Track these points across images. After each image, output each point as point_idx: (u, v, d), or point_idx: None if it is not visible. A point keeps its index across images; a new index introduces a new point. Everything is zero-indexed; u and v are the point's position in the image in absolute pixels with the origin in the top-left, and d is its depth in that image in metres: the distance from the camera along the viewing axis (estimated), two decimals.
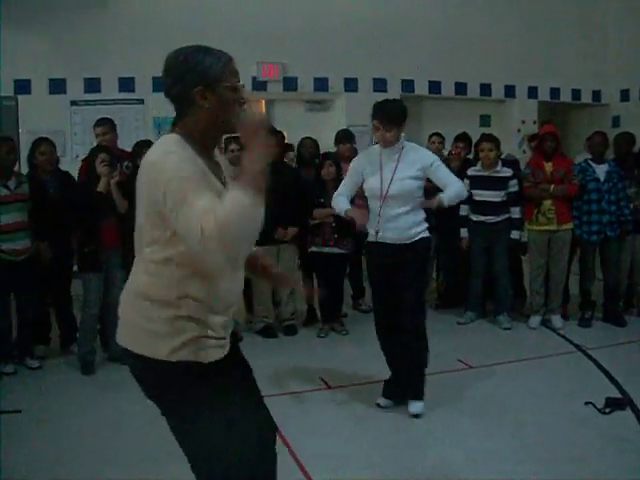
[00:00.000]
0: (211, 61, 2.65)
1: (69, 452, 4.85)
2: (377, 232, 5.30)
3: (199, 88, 2.61)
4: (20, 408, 5.70)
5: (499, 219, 7.69)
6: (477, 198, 7.71)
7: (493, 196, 7.65)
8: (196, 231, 2.26)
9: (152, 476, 4.33)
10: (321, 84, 12.19)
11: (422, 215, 5.36)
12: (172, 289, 2.60)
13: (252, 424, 2.76)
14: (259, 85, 11.88)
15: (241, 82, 2.72)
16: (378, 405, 5.52)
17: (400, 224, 5.23)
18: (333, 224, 7.45)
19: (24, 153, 8.45)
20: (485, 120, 13.53)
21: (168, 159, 2.48)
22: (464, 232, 7.87)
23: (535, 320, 7.81)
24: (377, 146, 5.43)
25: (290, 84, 12.06)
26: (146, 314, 2.64)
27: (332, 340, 7.54)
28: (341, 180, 7.44)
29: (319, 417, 5.41)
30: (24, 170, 7.52)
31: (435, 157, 5.40)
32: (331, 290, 7.65)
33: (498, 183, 7.63)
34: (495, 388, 5.94)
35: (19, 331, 6.83)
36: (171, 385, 2.66)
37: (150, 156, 2.55)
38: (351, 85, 12.31)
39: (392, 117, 5.23)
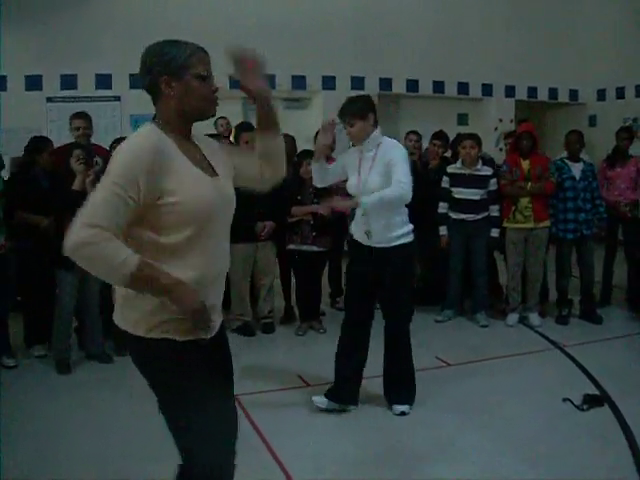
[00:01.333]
0: (177, 51, 2.83)
1: (46, 452, 4.82)
2: (367, 233, 5.25)
3: (164, 77, 2.78)
4: None
5: (479, 217, 7.70)
6: (457, 196, 7.73)
7: (473, 194, 7.66)
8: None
9: (133, 476, 4.31)
10: (299, 82, 12.17)
11: (403, 216, 5.29)
12: None
13: (222, 410, 2.92)
14: (236, 83, 11.78)
15: (213, 74, 2.89)
16: (315, 404, 5.49)
17: (379, 226, 5.18)
18: (311, 222, 7.43)
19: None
20: (463, 119, 13.58)
21: (120, 154, 2.67)
22: (443, 230, 7.86)
23: (512, 318, 7.85)
24: (358, 146, 5.38)
25: (268, 82, 12.02)
26: (129, 293, 2.75)
27: (310, 338, 7.52)
28: None
29: (298, 415, 5.39)
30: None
31: (397, 154, 5.18)
32: (309, 288, 7.67)
33: (478, 181, 7.65)
34: (474, 385, 5.96)
35: None
36: (150, 360, 2.82)
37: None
38: (329, 83, 12.30)
39: (352, 110, 5.19)
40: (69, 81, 11.03)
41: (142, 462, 4.37)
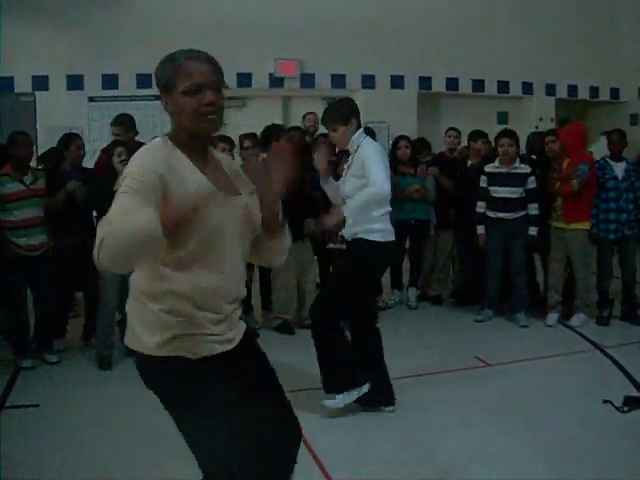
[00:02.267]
0: (164, 68, 2.74)
1: (86, 447, 4.89)
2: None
3: (163, 96, 2.76)
4: (38, 402, 5.76)
5: (517, 216, 7.63)
6: (495, 195, 7.68)
7: (511, 193, 7.59)
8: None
9: (169, 474, 4.34)
10: (338, 81, 12.20)
11: (373, 217, 5.19)
12: (157, 283, 2.71)
13: (245, 423, 2.77)
14: (276, 82, 11.90)
15: (184, 84, 2.67)
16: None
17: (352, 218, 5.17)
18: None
19: (42, 149, 8.54)
20: (502, 117, 13.47)
21: (132, 163, 2.67)
22: (480, 229, 7.82)
23: (552, 318, 7.78)
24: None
25: (307, 81, 12.08)
26: (138, 307, 2.80)
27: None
28: None
29: (337, 415, 5.38)
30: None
31: (368, 153, 5.13)
32: None
33: (516, 180, 7.59)
34: (512, 386, 5.93)
35: (36, 326, 6.88)
36: (160, 380, 2.78)
37: None
38: (369, 82, 12.32)
39: (334, 116, 5.23)
40: (110, 81, 11.17)
41: (180, 459, 4.41)
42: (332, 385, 5.31)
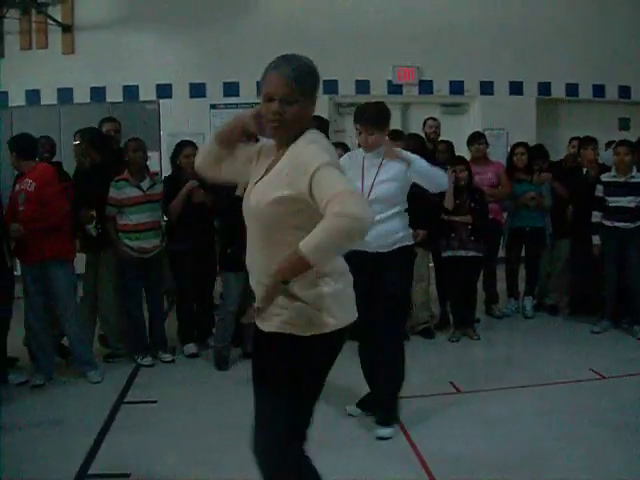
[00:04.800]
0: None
1: (199, 444, 5.04)
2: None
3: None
4: (156, 399, 5.99)
5: (633, 226, 7.49)
6: (611, 204, 7.56)
7: (628, 202, 7.47)
8: None
9: None
10: (456, 87, 12.16)
11: (405, 222, 5.26)
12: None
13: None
14: (395, 89, 11.95)
15: (263, 90, 2.93)
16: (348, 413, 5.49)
17: (380, 231, 4.89)
18: (470, 226, 7.46)
19: (165, 155, 8.82)
20: (624, 123, 13.09)
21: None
22: (596, 239, 7.69)
23: None
24: (360, 150, 5.33)
25: (425, 87, 12.08)
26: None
27: (464, 345, 7.53)
28: (472, 185, 7.48)
29: (447, 421, 5.42)
30: (167, 171, 7.82)
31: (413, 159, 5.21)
32: (464, 294, 7.70)
33: (633, 189, 7.46)
34: (628, 400, 5.78)
35: (150, 326, 7.17)
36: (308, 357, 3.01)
37: None
38: (487, 88, 12.22)
39: (374, 121, 5.16)
40: (231, 88, 11.44)
41: None
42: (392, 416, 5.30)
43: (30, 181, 6.12)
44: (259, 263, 3.05)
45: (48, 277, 6.28)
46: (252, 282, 3.17)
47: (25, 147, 6.37)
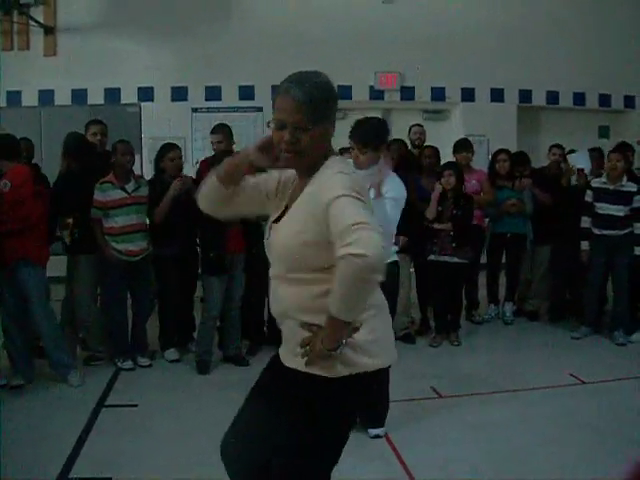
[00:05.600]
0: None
1: (181, 448, 5.03)
2: None
3: None
4: (136, 403, 5.97)
5: (621, 233, 7.51)
6: (599, 211, 7.58)
7: (616, 210, 7.50)
8: None
9: None
10: (438, 94, 12.20)
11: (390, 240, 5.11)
12: None
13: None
14: (376, 94, 11.99)
15: (273, 116, 2.72)
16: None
17: None
18: (452, 232, 7.47)
19: (146, 158, 8.80)
20: (604, 131, 13.21)
21: None
22: (585, 245, 7.69)
23: None
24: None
25: (407, 94, 12.12)
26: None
27: (445, 350, 7.54)
28: (461, 190, 7.48)
29: (429, 426, 5.43)
30: (148, 174, 7.79)
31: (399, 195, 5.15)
32: (448, 300, 7.73)
33: (622, 197, 7.48)
34: (608, 405, 5.82)
35: (133, 329, 7.14)
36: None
37: None
38: (468, 95, 12.27)
39: (367, 139, 5.01)
40: (213, 92, 11.43)
41: None
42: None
43: (5, 181, 6.07)
44: (290, 300, 2.75)
45: (18, 280, 6.22)
46: (280, 322, 2.88)
47: (7, 147, 6.32)
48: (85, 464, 4.77)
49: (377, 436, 5.18)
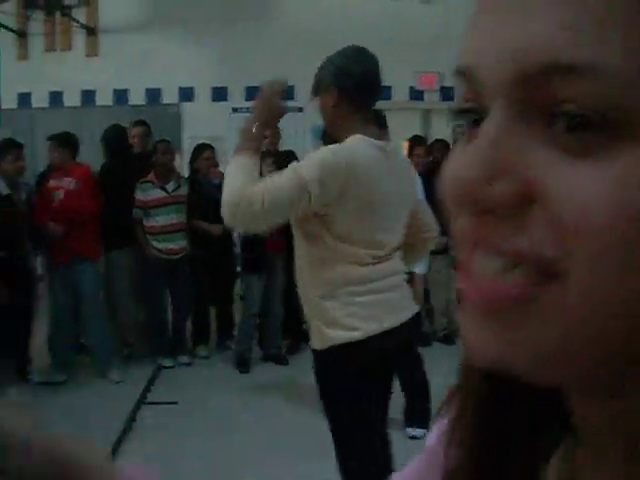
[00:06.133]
0: None
1: (221, 445, 5.06)
2: None
3: None
4: (176, 400, 6.02)
5: None
6: None
7: None
8: None
9: (292, 475, 4.44)
10: None
11: None
12: None
13: None
14: (416, 95, 11.95)
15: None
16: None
17: None
18: None
19: (187, 158, 8.84)
20: None
21: None
22: None
23: None
24: None
25: (447, 94, 12.06)
26: None
27: None
28: None
29: None
30: (186, 174, 7.85)
31: None
32: None
33: None
34: None
35: (174, 327, 7.19)
36: None
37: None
38: None
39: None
40: (253, 92, 11.38)
41: (318, 462, 4.48)
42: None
43: (70, 179, 6.20)
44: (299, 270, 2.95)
45: (74, 276, 6.32)
46: None
47: (73, 146, 6.48)
48: (124, 461, 4.77)
49: (414, 437, 5.12)
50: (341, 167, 2.63)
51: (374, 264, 2.79)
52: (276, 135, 7.32)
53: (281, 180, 2.60)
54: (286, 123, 10.57)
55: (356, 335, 2.74)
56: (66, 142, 6.55)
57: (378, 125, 3.19)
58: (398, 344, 2.89)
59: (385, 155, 2.83)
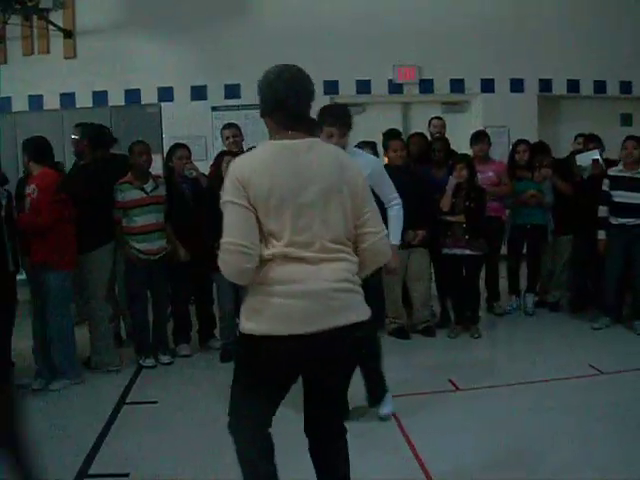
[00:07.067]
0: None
1: (201, 443, 5.09)
2: None
3: None
4: (156, 399, 6.07)
5: (639, 222, 7.41)
6: (617, 199, 7.49)
7: (634, 198, 7.39)
8: None
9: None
10: (457, 85, 12.18)
11: None
12: None
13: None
14: (395, 88, 11.98)
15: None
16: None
17: None
18: (464, 225, 7.43)
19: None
20: (625, 119, 13.06)
21: None
22: (602, 234, 7.60)
23: None
24: None
25: (426, 86, 12.10)
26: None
27: (464, 343, 7.51)
28: (473, 182, 7.45)
29: (445, 418, 5.44)
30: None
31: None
32: (465, 292, 7.71)
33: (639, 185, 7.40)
34: (627, 395, 5.76)
35: (154, 327, 7.20)
36: None
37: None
38: (488, 86, 12.23)
39: (346, 120, 5.03)
40: (233, 90, 11.48)
41: (288, 456, 4.49)
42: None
43: (33, 186, 6.17)
44: None
45: (39, 282, 6.34)
46: None
47: (36, 149, 6.44)
48: (105, 461, 4.85)
49: (386, 417, 5.31)
50: (234, 178, 3.12)
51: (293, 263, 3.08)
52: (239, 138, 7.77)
53: (226, 220, 3.17)
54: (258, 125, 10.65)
55: (256, 329, 3.12)
56: (25, 146, 6.54)
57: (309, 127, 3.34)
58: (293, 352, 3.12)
59: (293, 152, 3.15)
